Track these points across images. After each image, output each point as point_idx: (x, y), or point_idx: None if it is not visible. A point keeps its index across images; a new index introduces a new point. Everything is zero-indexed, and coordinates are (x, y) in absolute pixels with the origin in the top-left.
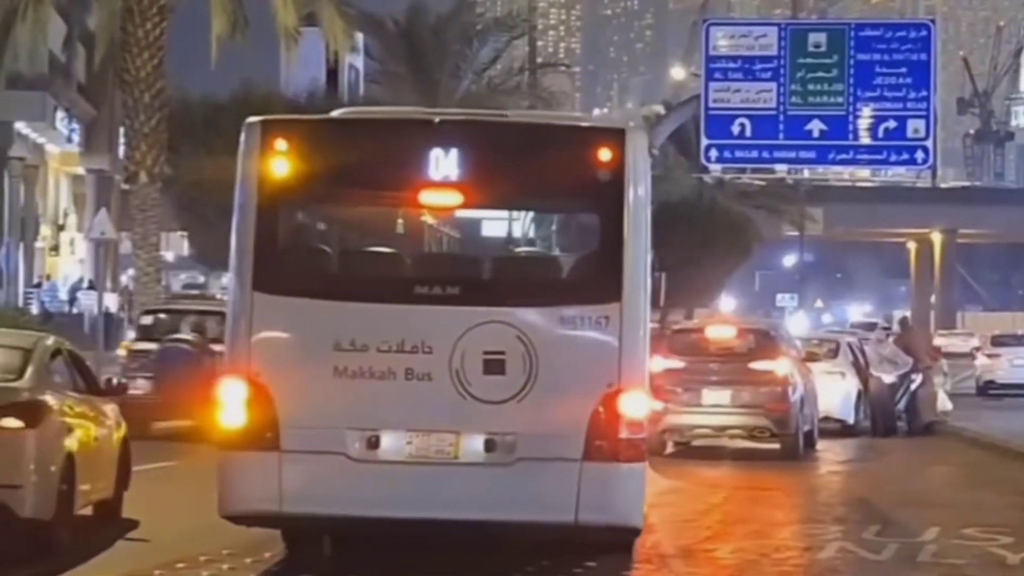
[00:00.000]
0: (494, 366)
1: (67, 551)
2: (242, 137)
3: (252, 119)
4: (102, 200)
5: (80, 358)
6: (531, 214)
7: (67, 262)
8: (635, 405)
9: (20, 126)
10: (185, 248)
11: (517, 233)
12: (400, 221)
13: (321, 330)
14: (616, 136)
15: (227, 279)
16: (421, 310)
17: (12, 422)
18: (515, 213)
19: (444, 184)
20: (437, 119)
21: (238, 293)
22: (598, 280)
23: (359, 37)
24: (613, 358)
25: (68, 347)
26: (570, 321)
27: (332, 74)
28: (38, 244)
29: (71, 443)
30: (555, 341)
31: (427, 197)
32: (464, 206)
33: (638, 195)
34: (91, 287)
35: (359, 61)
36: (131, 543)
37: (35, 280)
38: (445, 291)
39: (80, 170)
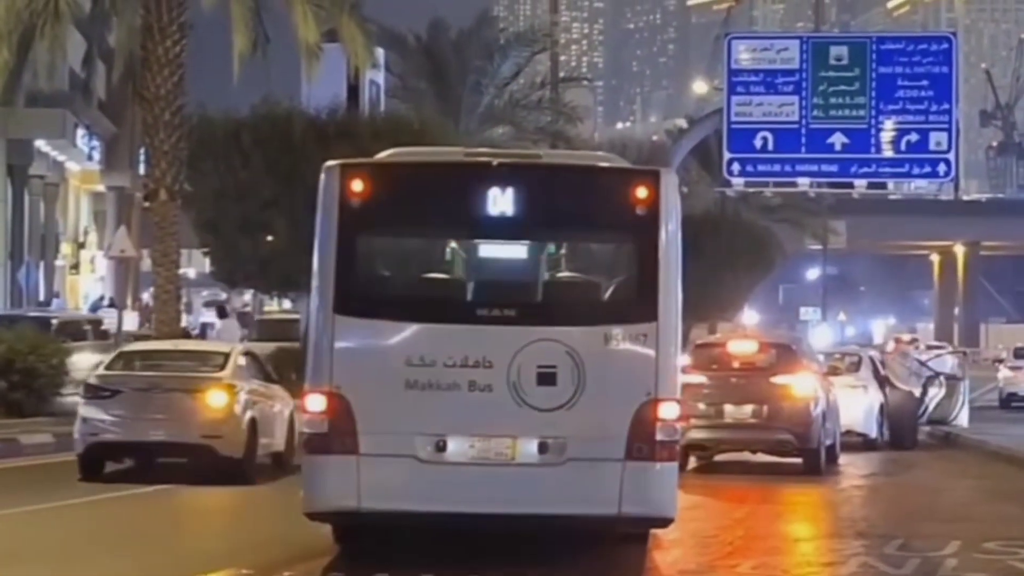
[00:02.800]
0: (547, 378)
1: (258, 478)
2: (321, 177)
3: (331, 162)
4: (122, 218)
5: (259, 358)
6: (578, 244)
7: (87, 280)
8: (670, 412)
9: (40, 144)
10: (207, 265)
11: (565, 261)
12: (462, 251)
13: (394, 348)
14: (652, 177)
15: (311, 302)
16: (482, 330)
17: (220, 398)
18: (564, 244)
19: (501, 218)
20: (495, 162)
21: (320, 315)
22: (637, 302)
23: (380, 53)
24: (650, 370)
25: (252, 351)
26: (613, 338)
27: (353, 90)
28: (58, 262)
29: (253, 411)
30: (600, 356)
31: (486, 230)
32: (519, 237)
33: (670, 227)
34: (112, 305)
35: (380, 77)
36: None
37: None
38: (503, 313)
39: (100, 188)
